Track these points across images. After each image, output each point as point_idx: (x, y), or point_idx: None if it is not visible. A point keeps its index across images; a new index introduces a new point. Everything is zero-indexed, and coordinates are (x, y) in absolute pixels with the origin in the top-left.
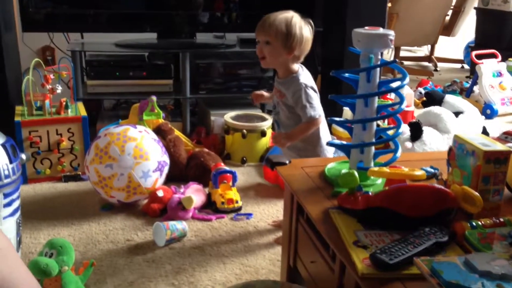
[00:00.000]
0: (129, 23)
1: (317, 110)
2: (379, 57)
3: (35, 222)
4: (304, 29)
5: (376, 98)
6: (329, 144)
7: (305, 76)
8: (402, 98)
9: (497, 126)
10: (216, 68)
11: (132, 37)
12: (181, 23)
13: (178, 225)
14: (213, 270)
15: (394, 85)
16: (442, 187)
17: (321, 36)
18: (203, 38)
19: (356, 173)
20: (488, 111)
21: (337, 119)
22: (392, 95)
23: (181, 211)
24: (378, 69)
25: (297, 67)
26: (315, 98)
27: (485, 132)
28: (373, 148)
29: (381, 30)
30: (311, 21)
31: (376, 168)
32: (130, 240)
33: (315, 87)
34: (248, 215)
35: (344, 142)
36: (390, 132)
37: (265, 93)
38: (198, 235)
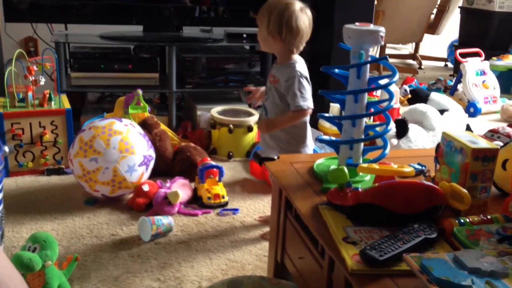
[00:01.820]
0: (114, 15)
1: (307, 101)
2: (369, 53)
3: (18, 216)
4: (298, 19)
5: (366, 95)
6: (318, 139)
7: (301, 66)
8: (391, 95)
9: (480, 124)
10: (202, 62)
11: (117, 29)
12: (167, 16)
13: (164, 220)
14: (199, 266)
15: (383, 81)
16: (431, 184)
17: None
18: (190, 32)
19: (345, 169)
20: (471, 109)
21: (327, 115)
22: (378, 92)
23: (167, 206)
24: (368, 65)
25: (296, 55)
26: (308, 89)
27: (469, 129)
28: (362, 144)
29: (371, 27)
30: (307, 10)
31: (365, 165)
32: (115, 235)
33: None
34: (235, 210)
35: (333, 138)
36: (378, 129)
37: (260, 89)
38: (184, 230)
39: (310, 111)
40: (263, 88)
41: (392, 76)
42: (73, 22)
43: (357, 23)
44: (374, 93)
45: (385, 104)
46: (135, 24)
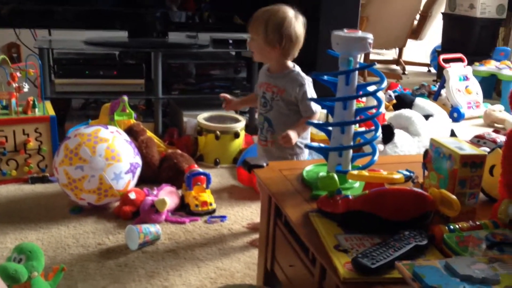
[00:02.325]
0: (99, 21)
1: (318, 104)
2: (358, 60)
3: (1, 226)
4: (294, 25)
5: (355, 101)
6: (307, 146)
7: (301, 71)
8: (380, 102)
9: (464, 129)
10: (188, 68)
11: (102, 35)
12: (153, 22)
13: (151, 228)
14: (188, 274)
15: (371, 88)
16: (421, 191)
17: None
18: (176, 37)
19: (336, 176)
20: (455, 114)
21: (316, 121)
22: (364, 98)
23: (154, 214)
24: (356, 72)
25: (292, 63)
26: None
27: (453, 135)
28: (351, 151)
29: (360, 34)
30: (300, 17)
31: (355, 172)
32: (102, 244)
33: None
34: (222, 217)
35: (322, 145)
36: (367, 136)
37: (234, 99)
38: (172, 238)
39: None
40: (237, 100)
41: (381, 83)
42: (57, 28)
43: (345, 30)
44: (360, 99)
45: (373, 110)
46: (120, 30)
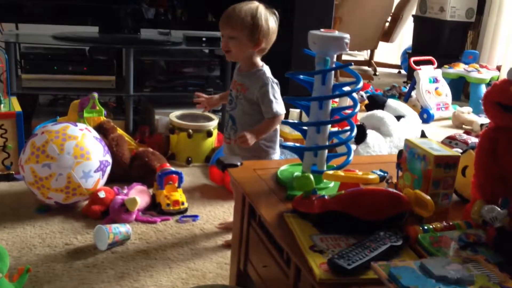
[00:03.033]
0: (69, 15)
1: (282, 106)
2: (334, 60)
3: None
4: (270, 20)
5: (331, 101)
6: (282, 146)
7: (269, 71)
8: (355, 102)
9: (433, 130)
10: (161, 65)
11: (72, 29)
12: (124, 17)
13: (121, 228)
14: (159, 275)
15: (346, 88)
16: (396, 191)
17: None
18: (148, 34)
19: (311, 177)
20: (425, 115)
21: (291, 121)
22: (337, 98)
23: (124, 213)
24: (333, 72)
25: (261, 62)
26: (279, 94)
27: (423, 136)
28: (326, 151)
29: (337, 33)
30: (275, 12)
31: (331, 172)
32: (69, 244)
33: None
34: (194, 217)
35: (297, 144)
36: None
37: (213, 97)
38: (142, 238)
39: (283, 116)
40: (216, 96)
41: (357, 83)
42: (25, 22)
43: (322, 30)
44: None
45: (348, 110)
46: (91, 25)
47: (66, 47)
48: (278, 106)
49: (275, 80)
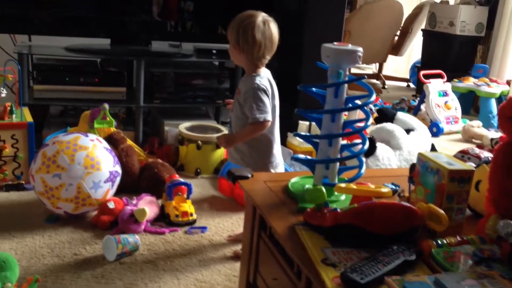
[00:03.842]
0: (81, 27)
1: (264, 114)
2: (347, 73)
3: None
4: (249, 28)
5: (343, 114)
6: (294, 158)
7: (263, 78)
8: (368, 115)
9: (442, 144)
10: (171, 77)
11: (84, 42)
12: (136, 30)
13: (130, 239)
14: (167, 286)
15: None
16: (409, 205)
17: (278, 50)
18: (159, 46)
19: (323, 189)
20: (434, 129)
21: (303, 133)
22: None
23: (133, 224)
24: (346, 85)
25: (261, 68)
26: (266, 102)
27: (433, 149)
28: (338, 164)
29: (350, 47)
30: (271, 23)
31: (343, 185)
32: (78, 254)
33: (275, 92)
34: (203, 228)
35: (309, 157)
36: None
37: None
38: (151, 249)
39: (268, 123)
40: None
41: (369, 96)
42: (37, 34)
43: (335, 43)
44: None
45: (360, 123)
46: (103, 37)
47: (78, 59)
48: (259, 113)
49: (262, 87)
